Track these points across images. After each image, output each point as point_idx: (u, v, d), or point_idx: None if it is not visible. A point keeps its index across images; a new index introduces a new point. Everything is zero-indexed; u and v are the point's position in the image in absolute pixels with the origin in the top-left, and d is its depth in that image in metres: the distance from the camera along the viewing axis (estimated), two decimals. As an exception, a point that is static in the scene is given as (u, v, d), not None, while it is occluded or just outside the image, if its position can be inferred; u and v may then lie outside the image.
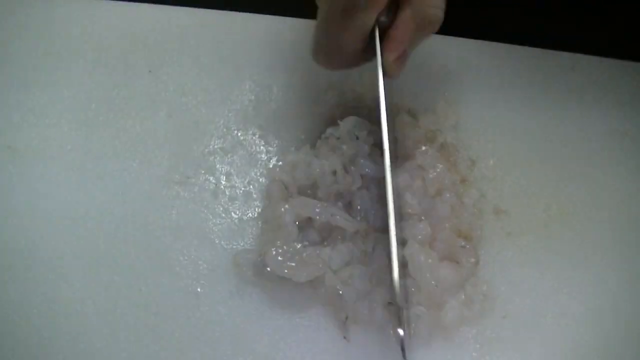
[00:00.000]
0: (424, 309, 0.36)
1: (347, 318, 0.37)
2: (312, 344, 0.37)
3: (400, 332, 0.33)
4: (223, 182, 0.42)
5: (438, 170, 0.42)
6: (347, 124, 0.41)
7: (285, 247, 0.38)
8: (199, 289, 0.38)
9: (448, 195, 0.41)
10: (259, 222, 0.41)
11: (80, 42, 0.47)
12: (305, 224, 0.39)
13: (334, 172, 0.40)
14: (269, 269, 0.37)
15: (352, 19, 0.33)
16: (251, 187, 0.42)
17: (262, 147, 0.44)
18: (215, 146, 0.44)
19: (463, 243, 0.39)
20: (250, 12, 0.49)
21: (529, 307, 0.39)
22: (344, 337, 0.37)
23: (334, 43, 0.35)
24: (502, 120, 0.47)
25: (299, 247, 0.38)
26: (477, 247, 0.40)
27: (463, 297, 0.37)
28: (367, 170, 0.40)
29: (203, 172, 0.43)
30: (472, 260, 0.39)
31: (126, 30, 0.48)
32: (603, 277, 0.40)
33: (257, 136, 0.44)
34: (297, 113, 0.45)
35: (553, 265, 0.40)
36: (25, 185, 0.41)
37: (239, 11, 0.50)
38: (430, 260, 0.37)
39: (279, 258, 0.37)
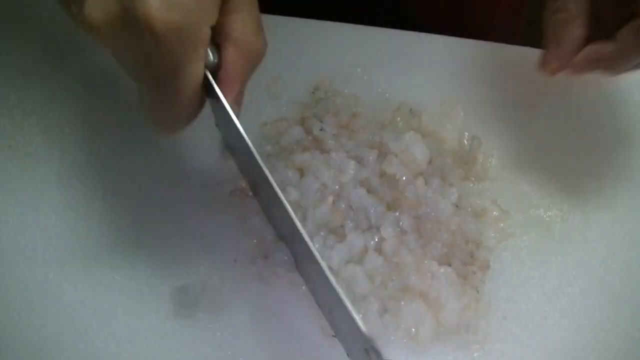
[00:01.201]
0: (425, 310, 0.36)
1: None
2: (302, 340, 0.37)
3: None
4: (225, 182, 0.42)
5: (438, 170, 0.42)
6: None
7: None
8: (199, 289, 0.38)
9: (448, 195, 0.41)
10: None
11: (81, 42, 0.47)
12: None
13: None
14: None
15: (181, 77, 0.30)
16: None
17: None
18: (216, 146, 0.44)
19: (465, 245, 0.39)
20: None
21: (529, 308, 0.39)
22: (333, 335, 0.37)
23: (173, 107, 0.32)
24: (502, 120, 0.47)
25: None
26: (479, 248, 0.40)
27: (465, 298, 0.37)
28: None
29: (205, 171, 0.43)
30: (477, 263, 0.39)
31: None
32: (603, 278, 0.40)
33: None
34: (298, 113, 0.45)
35: (554, 265, 0.40)
36: (26, 184, 0.41)
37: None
38: (430, 262, 0.37)
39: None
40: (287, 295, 0.38)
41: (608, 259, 0.41)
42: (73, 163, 0.42)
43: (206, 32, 0.30)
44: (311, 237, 0.39)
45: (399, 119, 0.44)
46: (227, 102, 0.33)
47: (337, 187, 0.40)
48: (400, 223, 0.39)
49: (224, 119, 0.34)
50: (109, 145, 0.43)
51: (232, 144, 0.38)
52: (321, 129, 0.43)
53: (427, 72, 0.48)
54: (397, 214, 0.39)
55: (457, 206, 0.40)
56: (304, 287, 0.38)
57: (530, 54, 0.51)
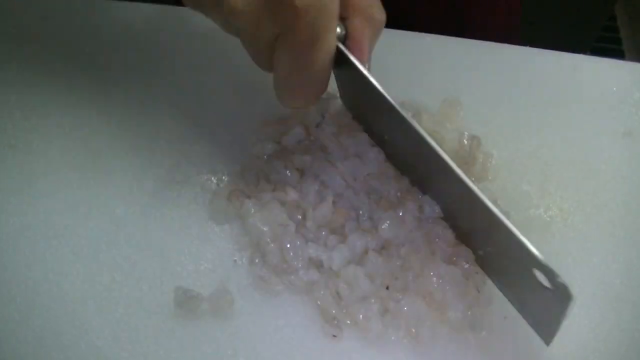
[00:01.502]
0: (426, 310, 0.36)
1: (335, 320, 0.37)
2: (303, 340, 0.37)
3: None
4: (224, 182, 0.42)
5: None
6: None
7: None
8: (200, 289, 0.37)
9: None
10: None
11: (82, 42, 0.47)
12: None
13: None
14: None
15: (319, 48, 0.33)
16: (252, 186, 0.42)
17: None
18: (217, 146, 0.44)
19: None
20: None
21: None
22: (334, 336, 0.37)
23: (308, 79, 0.35)
24: (502, 120, 0.47)
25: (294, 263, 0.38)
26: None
27: (468, 298, 0.37)
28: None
29: (205, 172, 0.43)
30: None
31: (128, 30, 0.48)
32: (604, 278, 0.40)
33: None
34: (299, 113, 0.45)
35: (554, 265, 0.40)
36: (27, 184, 0.41)
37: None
38: (436, 261, 0.37)
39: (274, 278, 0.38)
40: (287, 295, 0.38)
41: (608, 259, 0.41)
42: (73, 163, 0.42)
43: (337, 5, 0.33)
44: (311, 238, 0.39)
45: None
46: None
47: (337, 186, 0.40)
48: (404, 222, 0.39)
49: (354, 85, 0.37)
50: (109, 146, 0.43)
51: (364, 108, 0.41)
52: (317, 126, 0.43)
53: (427, 72, 0.48)
54: (401, 213, 0.39)
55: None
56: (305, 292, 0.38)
57: (530, 54, 0.51)
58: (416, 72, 0.48)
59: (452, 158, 0.40)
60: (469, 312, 0.36)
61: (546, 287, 0.32)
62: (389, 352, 0.36)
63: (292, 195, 0.40)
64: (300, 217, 0.40)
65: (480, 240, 0.37)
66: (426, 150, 0.35)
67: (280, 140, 0.43)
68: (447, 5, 0.61)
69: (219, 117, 0.45)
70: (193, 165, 0.43)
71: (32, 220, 0.40)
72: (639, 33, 1.50)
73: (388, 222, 0.38)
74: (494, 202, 0.33)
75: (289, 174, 0.41)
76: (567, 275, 0.39)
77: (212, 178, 0.43)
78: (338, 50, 0.36)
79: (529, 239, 0.41)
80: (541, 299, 0.33)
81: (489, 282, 0.39)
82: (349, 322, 0.37)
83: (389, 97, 0.36)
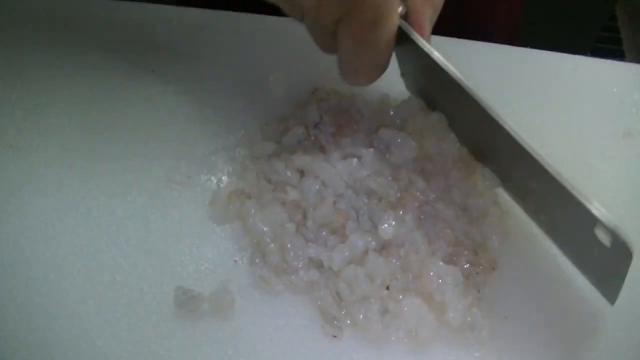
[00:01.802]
0: (426, 311, 0.36)
1: (336, 320, 0.37)
2: (303, 340, 0.37)
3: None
4: (225, 182, 0.42)
5: (440, 170, 0.42)
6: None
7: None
8: (200, 289, 0.37)
9: (452, 194, 0.41)
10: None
11: (83, 41, 0.47)
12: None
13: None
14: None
15: (383, 27, 0.35)
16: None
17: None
18: (217, 146, 0.44)
19: (471, 245, 0.39)
20: (254, 12, 0.49)
21: (530, 307, 0.38)
22: (334, 336, 0.37)
23: (372, 58, 0.37)
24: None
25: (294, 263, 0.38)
26: (484, 248, 0.40)
27: (469, 298, 0.37)
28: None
29: (205, 171, 0.43)
30: (483, 264, 0.39)
31: (129, 29, 0.48)
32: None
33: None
34: (299, 113, 0.45)
35: (555, 265, 0.40)
36: (27, 184, 0.41)
37: (244, 11, 0.50)
38: (436, 261, 0.37)
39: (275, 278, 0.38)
40: (288, 295, 0.38)
41: (608, 259, 0.41)
42: (73, 163, 0.42)
43: None
44: (312, 238, 0.39)
45: (398, 121, 0.44)
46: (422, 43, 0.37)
47: (337, 187, 0.40)
48: (404, 222, 0.39)
49: (416, 62, 0.39)
50: (110, 146, 0.43)
51: (426, 85, 0.43)
52: (315, 126, 0.43)
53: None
54: (401, 213, 0.39)
55: (461, 206, 0.40)
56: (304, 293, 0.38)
57: (530, 55, 0.51)
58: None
59: (451, 159, 0.41)
60: (469, 313, 0.36)
61: (606, 247, 0.33)
62: (389, 352, 0.36)
63: (292, 195, 0.40)
64: (300, 217, 0.40)
65: (542, 204, 0.39)
66: (488, 121, 0.37)
67: (281, 140, 0.43)
68: (447, 6, 0.61)
69: (219, 117, 0.45)
70: (193, 165, 0.43)
71: (32, 220, 0.40)
72: (639, 33, 1.50)
73: (387, 222, 0.38)
74: (555, 170, 0.35)
75: (289, 174, 0.41)
76: (569, 275, 0.40)
77: (212, 178, 0.43)
78: (400, 28, 0.37)
79: (529, 239, 0.41)
80: (602, 259, 0.34)
81: (490, 281, 0.39)
82: (349, 322, 0.37)
83: (452, 71, 0.37)
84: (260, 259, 0.39)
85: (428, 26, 0.38)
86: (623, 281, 0.34)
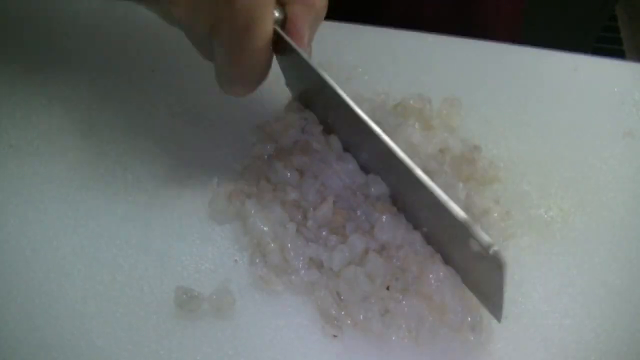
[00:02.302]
0: (427, 311, 0.36)
1: (336, 320, 0.37)
2: (303, 340, 0.37)
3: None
4: (225, 182, 0.42)
5: (440, 170, 0.42)
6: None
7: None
8: (200, 289, 0.37)
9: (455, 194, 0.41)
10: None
11: (83, 41, 0.47)
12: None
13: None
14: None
15: (255, 34, 0.34)
16: (253, 186, 0.42)
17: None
18: (218, 146, 0.44)
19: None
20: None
21: (530, 307, 0.38)
22: (334, 336, 0.37)
23: (246, 67, 0.35)
24: (503, 120, 0.47)
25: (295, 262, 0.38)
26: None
27: (468, 300, 0.37)
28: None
29: (205, 171, 0.43)
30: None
31: (129, 30, 0.48)
32: (605, 278, 0.40)
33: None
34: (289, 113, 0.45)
35: (555, 265, 0.40)
36: (27, 184, 0.41)
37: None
38: (435, 262, 0.37)
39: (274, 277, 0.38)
40: (288, 295, 0.38)
41: (609, 259, 0.41)
42: (74, 163, 0.42)
43: None
44: (312, 238, 0.39)
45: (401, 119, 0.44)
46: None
47: (336, 187, 0.40)
48: (399, 223, 0.39)
49: (296, 68, 0.38)
50: (110, 145, 0.43)
51: (308, 92, 0.42)
52: (303, 128, 0.42)
53: (427, 72, 0.48)
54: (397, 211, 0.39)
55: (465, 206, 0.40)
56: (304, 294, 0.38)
57: (531, 54, 0.51)
58: (418, 71, 0.48)
59: (452, 158, 0.40)
60: (469, 314, 0.36)
61: (482, 257, 0.31)
62: (390, 352, 0.36)
63: (292, 195, 0.40)
64: (300, 217, 0.40)
65: (422, 216, 0.37)
66: (365, 128, 0.36)
67: (279, 140, 0.43)
68: (449, 5, 0.62)
69: (220, 118, 0.45)
70: (193, 165, 0.43)
71: (32, 220, 0.40)
72: (639, 33, 1.50)
73: (383, 223, 0.38)
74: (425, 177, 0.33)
75: (289, 175, 0.41)
76: (569, 275, 0.40)
77: (212, 178, 0.42)
78: (278, 35, 0.36)
79: (529, 239, 0.41)
80: (482, 272, 0.33)
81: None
82: (349, 322, 0.37)
83: (327, 78, 0.36)
84: (260, 259, 0.39)
85: (307, 34, 0.37)
86: (503, 295, 0.32)
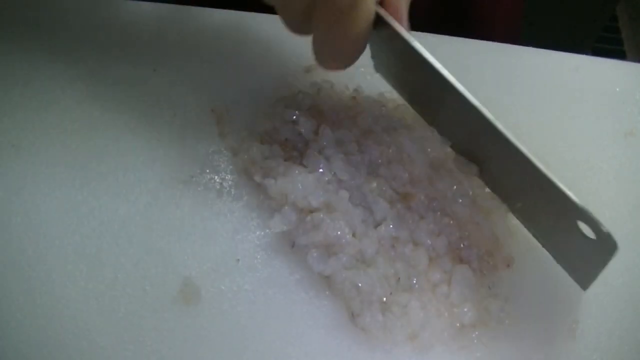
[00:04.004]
0: (431, 311, 0.36)
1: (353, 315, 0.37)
2: (305, 340, 0.37)
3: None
4: (228, 182, 0.42)
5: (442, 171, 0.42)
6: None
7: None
8: (202, 289, 0.38)
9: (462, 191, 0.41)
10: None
11: (85, 41, 0.47)
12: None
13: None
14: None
15: (359, 11, 0.34)
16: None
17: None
18: (220, 145, 0.44)
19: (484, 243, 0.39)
20: (255, 11, 0.49)
21: (532, 307, 0.39)
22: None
23: (348, 42, 0.36)
24: (504, 120, 0.46)
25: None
26: (497, 245, 0.40)
27: (478, 297, 0.37)
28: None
29: (207, 171, 0.43)
30: (497, 261, 0.39)
31: (131, 29, 0.48)
32: (606, 278, 0.40)
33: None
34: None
35: (556, 266, 0.40)
36: (29, 183, 0.41)
37: (244, 10, 0.50)
38: (444, 260, 0.37)
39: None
40: (289, 295, 0.38)
41: (611, 259, 0.41)
42: (75, 162, 0.42)
43: None
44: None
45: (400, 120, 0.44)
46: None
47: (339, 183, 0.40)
48: (406, 220, 0.39)
49: (392, 51, 0.39)
50: (112, 145, 0.43)
51: (404, 74, 0.42)
52: (293, 120, 0.42)
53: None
54: (399, 207, 0.39)
55: (470, 204, 0.40)
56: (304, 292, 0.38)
57: (532, 54, 0.51)
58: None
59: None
60: (478, 311, 0.36)
61: (590, 238, 0.34)
62: (394, 353, 0.36)
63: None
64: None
65: (519, 193, 0.39)
66: (466, 106, 0.36)
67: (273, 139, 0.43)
68: (450, 5, 0.62)
69: (221, 117, 0.45)
70: (195, 164, 0.43)
71: (34, 220, 0.40)
72: None
73: (390, 219, 0.38)
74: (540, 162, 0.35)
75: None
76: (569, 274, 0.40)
77: (215, 177, 0.43)
78: (376, 14, 0.36)
79: (531, 239, 0.41)
80: (583, 250, 0.35)
81: (493, 283, 0.39)
82: (355, 323, 0.37)
83: (430, 58, 0.37)
84: (262, 259, 0.39)
85: (405, 12, 0.37)
86: (601, 270, 0.35)
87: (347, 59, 0.37)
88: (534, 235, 0.40)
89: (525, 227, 0.40)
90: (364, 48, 0.37)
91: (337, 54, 0.37)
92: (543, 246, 0.40)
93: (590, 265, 0.35)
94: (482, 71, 0.49)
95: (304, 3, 0.34)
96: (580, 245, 0.35)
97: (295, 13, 0.36)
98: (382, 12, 0.37)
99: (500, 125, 0.36)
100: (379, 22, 0.37)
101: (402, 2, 0.37)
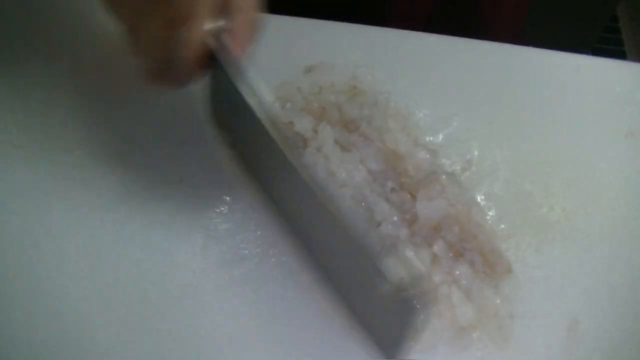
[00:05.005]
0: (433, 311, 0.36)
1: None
2: (307, 339, 0.37)
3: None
4: (227, 181, 0.42)
5: (439, 171, 0.42)
6: None
7: None
8: (204, 288, 0.38)
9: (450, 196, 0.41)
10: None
11: (84, 40, 0.47)
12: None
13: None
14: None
15: (185, 28, 0.32)
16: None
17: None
18: (219, 145, 0.44)
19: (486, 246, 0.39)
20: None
21: (532, 307, 0.39)
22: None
23: (172, 62, 0.33)
24: (505, 120, 0.47)
25: None
26: (496, 250, 0.40)
27: (479, 299, 0.37)
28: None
29: (207, 170, 0.43)
30: (497, 266, 0.39)
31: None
32: (607, 278, 0.40)
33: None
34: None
35: (557, 265, 0.40)
36: (30, 183, 0.41)
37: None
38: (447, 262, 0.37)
39: None
40: (291, 295, 0.38)
41: (611, 258, 0.41)
42: (76, 162, 0.42)
43: None
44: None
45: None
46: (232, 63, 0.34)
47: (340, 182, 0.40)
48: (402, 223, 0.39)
49: (227, 85, 0.35)
50: (112, 145, 0.43)
51: (232, 113, 0.38)
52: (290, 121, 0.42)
53: (429, 72, 0.48)
54: (396, 217, 0.39)
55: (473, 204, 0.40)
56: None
57: (533, 54, 0.51)
58: (419, 71, 0.48)
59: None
60: (479, 311, 0.36)
61: (394, 302, 0.30)
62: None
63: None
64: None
65: (329, 255, 0.36)
66: (290, 170, 0.33)
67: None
68: (452, 5, 0.62)
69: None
70: (197, 164, 0.43)
71: (35, 220, 0.40)
72: (640, 34, 1.50)
73: (387, 221, 0.38)
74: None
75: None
76: (571, 274, 0.40)
77: (215, 176, 0.42)
78: (213, 56, 0.33)
79: (532, 239, 0.41)
80: (389, 314, 0.31)
81: (494, 282, 0.39)
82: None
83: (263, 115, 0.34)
84: (264, 259, 0.39)
85: (247, 41, 0.35)
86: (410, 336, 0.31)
87: (172, 82, 0.35)
88: (343, 304, 0.35)
89: (335, 292, 0.36)
90: (192, 72, 0.34)
91: (161, 72, 0.34)
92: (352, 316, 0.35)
93: (398, 331, 0.31)
94: (483, 71, 0.49)
95: (137, 19, 0.33)
96: (385, 311, 0.31)
97: (139, 32, 0.34)
98: (222, 43, 0.33)
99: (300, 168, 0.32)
100: (216, 64, 0.34)
101: (247, 32, 0.35)
